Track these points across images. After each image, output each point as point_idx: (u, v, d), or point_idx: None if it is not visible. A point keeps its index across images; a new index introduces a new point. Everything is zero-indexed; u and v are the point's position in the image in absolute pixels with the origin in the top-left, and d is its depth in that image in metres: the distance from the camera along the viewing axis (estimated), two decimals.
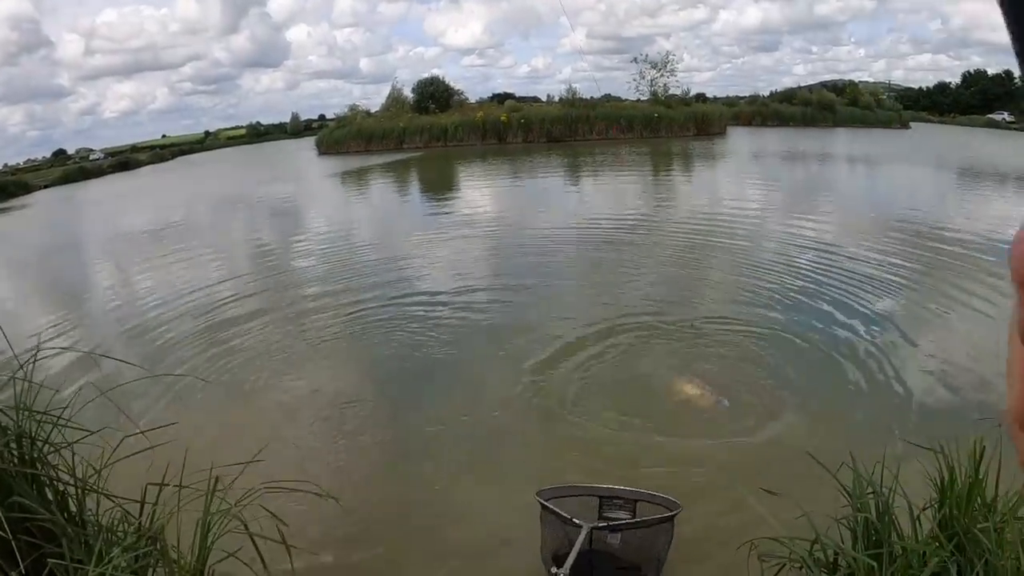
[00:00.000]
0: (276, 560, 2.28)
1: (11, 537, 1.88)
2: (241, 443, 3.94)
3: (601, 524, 2.68)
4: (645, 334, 5.96)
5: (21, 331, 6.45)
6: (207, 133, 71.18)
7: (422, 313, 7.08)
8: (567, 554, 2.46)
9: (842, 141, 31.35)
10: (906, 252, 8.67)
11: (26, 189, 33.01)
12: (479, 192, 18.34)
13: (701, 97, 41.60)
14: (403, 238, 11.80)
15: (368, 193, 21.04)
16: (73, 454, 2.26)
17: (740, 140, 32.47)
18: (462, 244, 10.75)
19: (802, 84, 49.23)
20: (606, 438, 4.22)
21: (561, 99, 36.97)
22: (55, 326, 7.43)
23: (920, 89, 63.46)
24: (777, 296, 6.98)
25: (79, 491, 2.25)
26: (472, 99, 42.18)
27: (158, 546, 2.14)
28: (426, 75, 42.28)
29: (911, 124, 42.85)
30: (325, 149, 36.71)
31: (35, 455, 2.19)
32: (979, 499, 2.18)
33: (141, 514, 2.24)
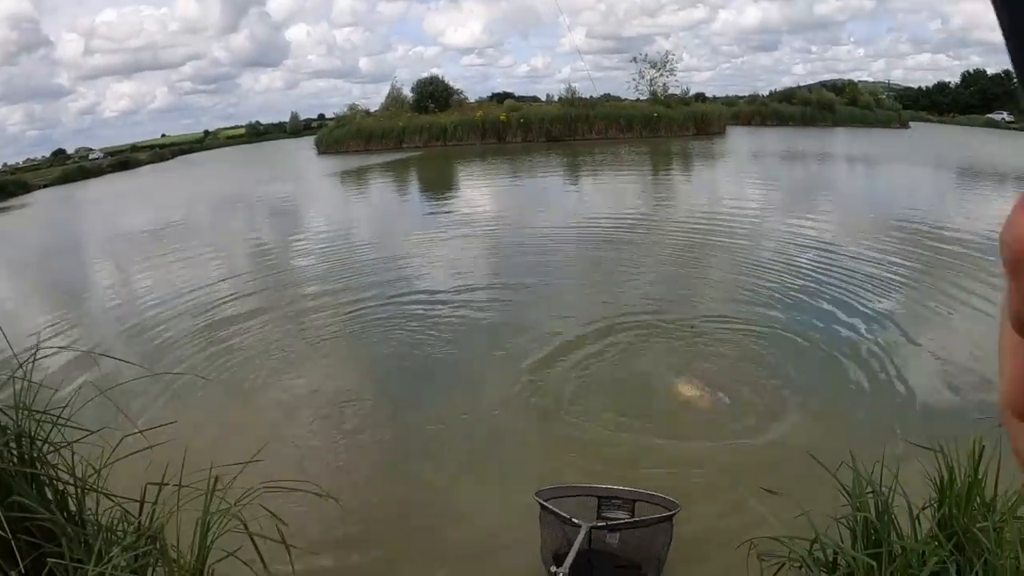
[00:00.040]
0: (276, 560, 2.28)
1: (11, 536, 1.88)
2: (240, 442, 3.95)
3: (600, 524, 2.68)
4: (645, 333, 5.96)
5: (21, 330, 6.46)
6: (207, 132, 71.17)
7: (421, 312, 7.08)
8: (567, 554, 2.47)
9: (841, 141, 31.36)
10: (906, 251, 8.67)
11: (25, 188, 32.98)
12: (478, 191, 18.34)
13: (700, 97, 41.64)
14: (402, 237, 11.80)
15: (367, 192, 21.03)
16: (72, 453, 2.26)
17: (739, 140, 32.48)
18: (461, 243, 10.75)
19: (801, 84, 49.24)
20: (605, 438, 4.22)
21: (560, 98, 37.04)
22: (54, 325, 7.43)
23: (919, 89, 63.48)
24: (777, 295, 6.98)
25: (79, 490, 2.25)
26: (471, 98, 42.24)
27: (157, 545, 2.14)
28: (425, 74, 42.27)
29: (910, 124, 42.86)
30: (324, 148, 36.69)
31: (35, 454, 2.19)
32: (978, 499, 2.18)
33: (141, 513, 2.24)
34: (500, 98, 44.69)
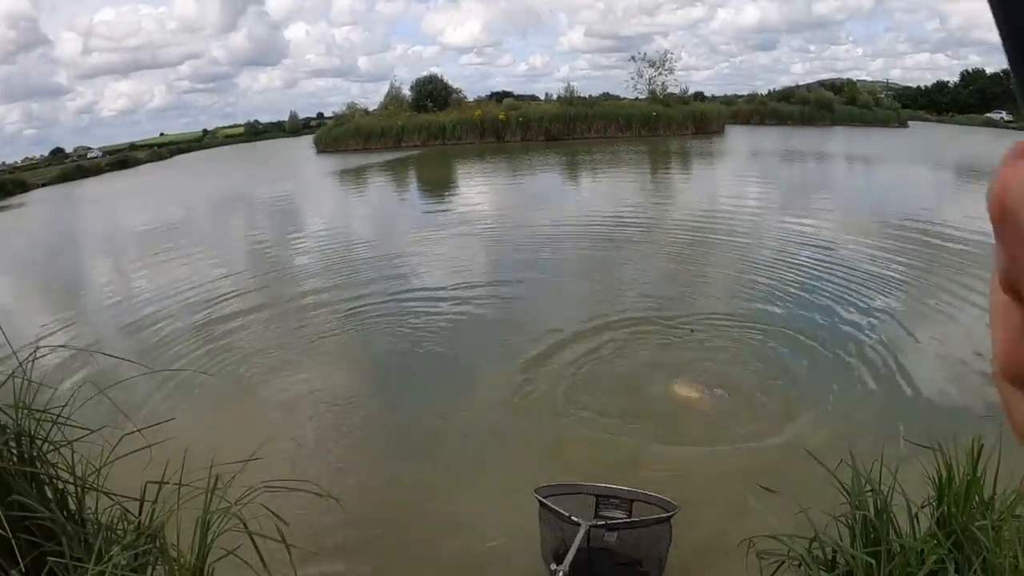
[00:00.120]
0: (275, 559, 2.28)
1: (11, 535, 1.87)
2: (240, 440, 3.94)
3: (599, 523, 2.69)
4: (644, 331, 5.97)
5: (20, 329, 6.44)
6: (205, 131, 70.94)
7: (421, 309, 7.08)
8: (567, 551, 2.47)
9: (840, 140, 31.36)
10: (905, 249, 8.68)
11: (24, 187, 32.84)
12: (477, 190, 18.32)
13: (699, 96, 41.54)
14: (401, 236, 11.79)
15: (366, 191, 21.01)
16: (72, 452, 2.25)
17: (738, 139, 32.49)
18: (460, 241, 10.75)
19: (800, 83, 49.09)
20: (605, 437, 4.22)
21: (559, 97, 36.99)
22: (54, 323, 7.42)
23: (918, 88, 63.36)
24: (776, 293, 6.99)
25: (78, 489, 2.25)
26: (470, 97, 42.12)
27: (157, 544, 2.14)
28: (424, 73, 42.03)
29: (909, 123, 42.84)
30: (323, 147, 36.61)
31: (34, 453, 2.19)
32: (977, 497, 2.19)
33: (140, 512, 2.24)
34: (499, 97, 44.63)
